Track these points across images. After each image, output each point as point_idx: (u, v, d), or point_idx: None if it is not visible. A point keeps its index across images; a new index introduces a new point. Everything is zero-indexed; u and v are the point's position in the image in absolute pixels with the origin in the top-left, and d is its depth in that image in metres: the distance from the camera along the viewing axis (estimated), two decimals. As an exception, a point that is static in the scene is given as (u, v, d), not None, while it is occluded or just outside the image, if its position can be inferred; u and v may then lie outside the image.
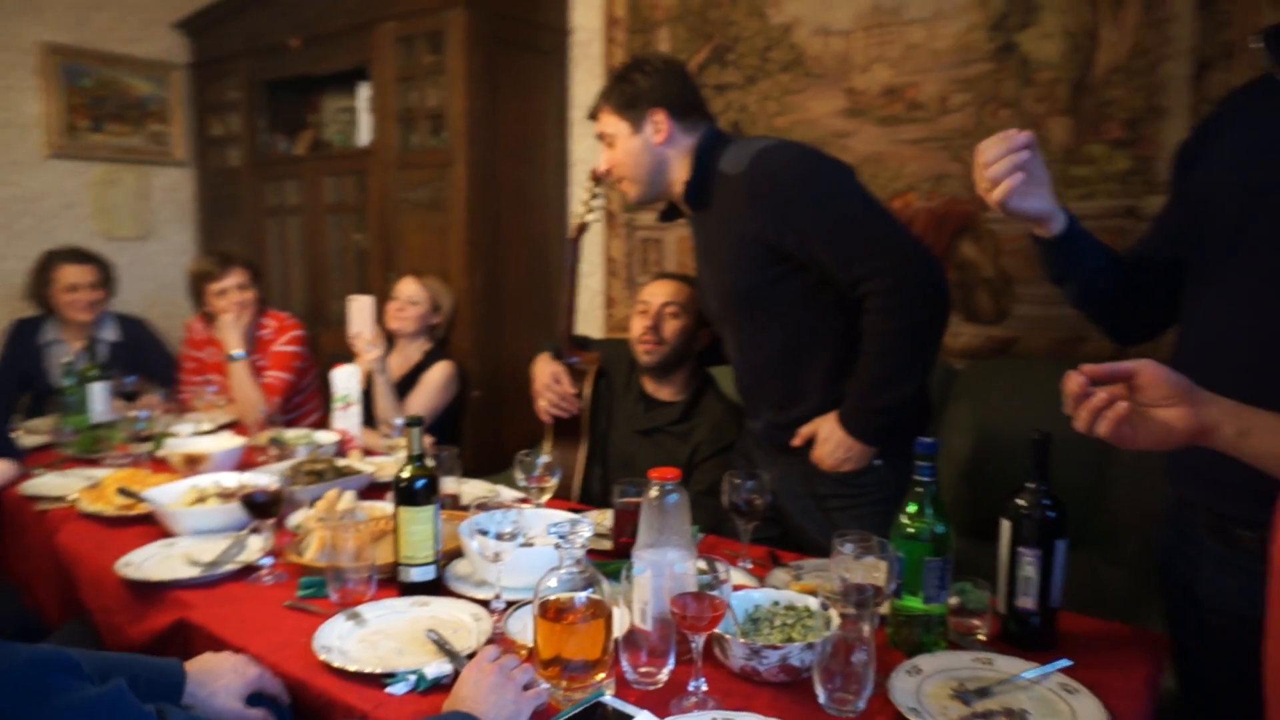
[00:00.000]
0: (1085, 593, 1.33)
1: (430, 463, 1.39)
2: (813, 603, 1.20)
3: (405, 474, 1.37)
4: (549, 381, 2.17)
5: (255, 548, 1.55)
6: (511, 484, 2.26)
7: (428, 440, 2.07)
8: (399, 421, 2.04)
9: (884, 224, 1.54)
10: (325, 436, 2.26)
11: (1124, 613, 1.74)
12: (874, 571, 1.15)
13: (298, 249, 3.54)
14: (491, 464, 2.84)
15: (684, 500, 1.18)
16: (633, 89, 1.68)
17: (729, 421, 2.04)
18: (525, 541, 1.33)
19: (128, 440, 2.14)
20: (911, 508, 1.18)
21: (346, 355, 3.12)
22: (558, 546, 1.07)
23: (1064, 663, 1.08)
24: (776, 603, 1.22)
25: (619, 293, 3.15)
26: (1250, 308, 1.11)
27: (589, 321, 3.23)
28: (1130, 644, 1.19)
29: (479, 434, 2.93)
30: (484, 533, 1.28)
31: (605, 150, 1.74)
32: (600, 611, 1.07)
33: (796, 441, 1.65)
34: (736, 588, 1.26)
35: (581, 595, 1.06)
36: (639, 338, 2.07)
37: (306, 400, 2.92)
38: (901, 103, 2.47)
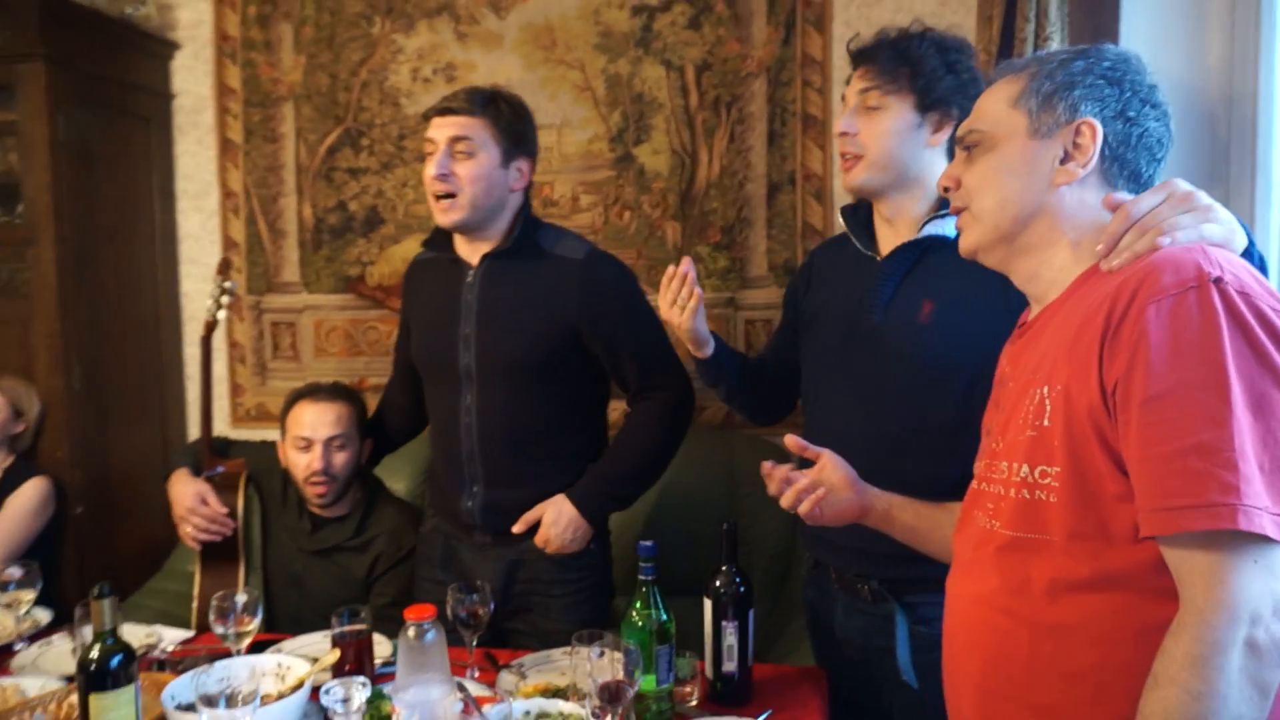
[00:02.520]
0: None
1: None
2: (564, 706, 1.31)
3: (94, 654, 1.20)
4: (193, 504, 1.94)
5: None
6: (147, 617, 2.01)
7: (14, 575, 1.70)
8: (15, 571, 1.71)
9: (669, 342, 1.79)
10: (-108, 600, 1.79)
11: (770, 640, 2.12)
12: (615, 665, 1.30)
13: None
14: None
15: (441, 636, 1.23)
16: (522, 126, 1.72)
17: (406, 525, 2.02)
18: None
19: None
20: (638, 603, 1.35)
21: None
22: (331, 717, 1.05)
23: (767, 712, 1.34)
24: (528, 712, 1.31)
25: (247, 380, 2.93)
26: (853, 420, 1.48)
27: (215, 413, 2.94)
28: (800, 681, 1.50)
29: (85, 556, 2.51)
30: (209, 701, 1.18)
31: (447, 153, 1.67)
32: (380, 767, 1.07)
33: (518, 528, 1.73)
34: (484, 700, 1.33)
35: (362, 757, 1.06)
36: (306, 479, 1.95)
37: None
38: (538, 199, 2.70)
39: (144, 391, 2.78)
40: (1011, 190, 1.04)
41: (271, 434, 2.53)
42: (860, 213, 1.56)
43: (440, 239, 1.82)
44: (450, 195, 1.69)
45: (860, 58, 1.47)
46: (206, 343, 2.09)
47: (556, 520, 1.71)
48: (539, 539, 1.73)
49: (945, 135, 1.43)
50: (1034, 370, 1.00)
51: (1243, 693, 0.82)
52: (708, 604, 1.43)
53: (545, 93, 2.66)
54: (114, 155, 2.67)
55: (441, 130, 1.70)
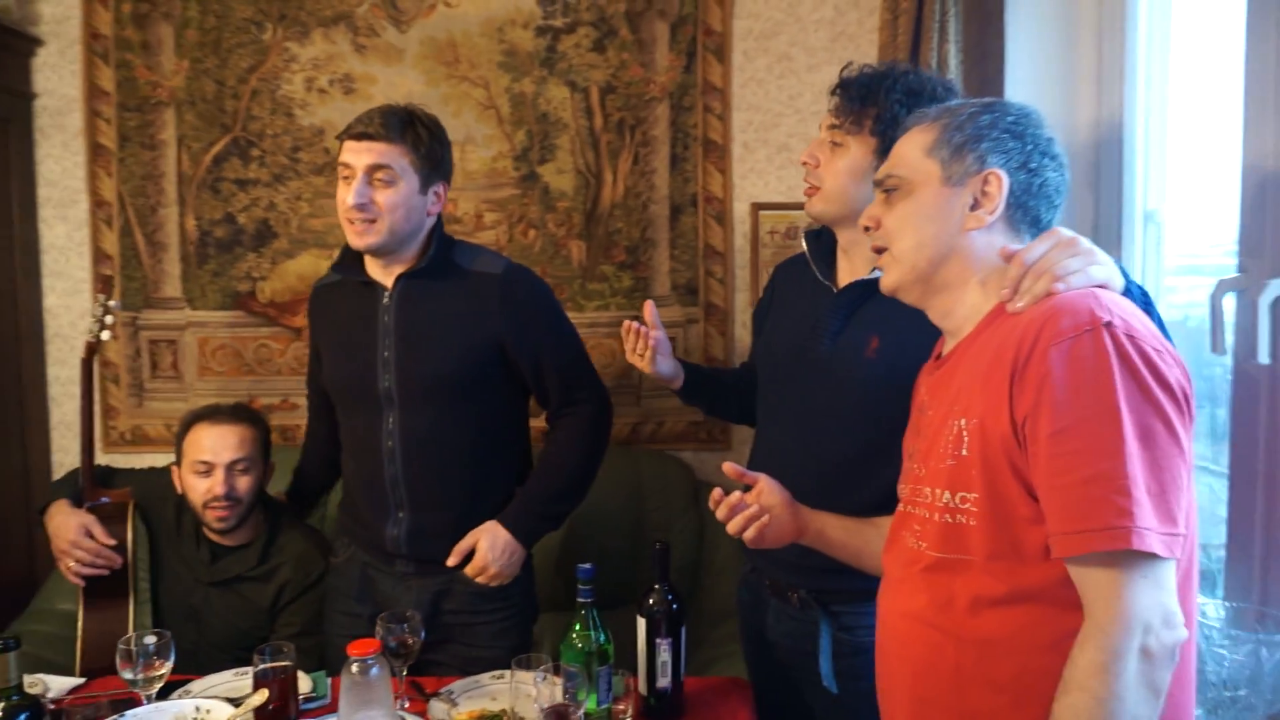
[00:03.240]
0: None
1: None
2: (506, 733, 1.32)
3: None
4: (77, 537, 1.83)
5: None
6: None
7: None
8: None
9: (587, 355, 1.85)
10: None
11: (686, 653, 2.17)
12: (554, 688, 1.32)
13: None
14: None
15: (384, 671, 1.21)
16: (440, 150, 1.70)
17: (313, 551, 1.96)
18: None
19: None
20: (578, 626, 1.38)
21: None
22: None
23: (703, 726, 1.39)
24: (470, 743, 1.31)
25: (122, 401, 2.74)
26: (799, 440, 1.54)
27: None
28: (729, 692, 1.56)
29: (-65, 598, 2.29)
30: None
31: (366, 181, 1.64)
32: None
33: (452, 560, 1.71)
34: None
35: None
36: (207, 503, 1.87)
37: None
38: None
39: (3, 415, 2.56)
40: (927, 234, 1.13)
41: (150, 459, 2.40)
42: (825, 238, 1.58)
43: (351, 262, 1.78)
44: (369, 220, 1.66)
45: (837, 88, 1.48)
46: (88, 365, 1.99)
47: (493, 546, 1.69)
48: (474, 567, 1.70)
49: None
50: (952, 402, 1.10)
51: (1139, 694, 0.93)
52: (641, 622, 1.46)
53: (448, 109, 2.64)
54: (-32, 159, 2.46)
55: (359, 157, 1.65)
